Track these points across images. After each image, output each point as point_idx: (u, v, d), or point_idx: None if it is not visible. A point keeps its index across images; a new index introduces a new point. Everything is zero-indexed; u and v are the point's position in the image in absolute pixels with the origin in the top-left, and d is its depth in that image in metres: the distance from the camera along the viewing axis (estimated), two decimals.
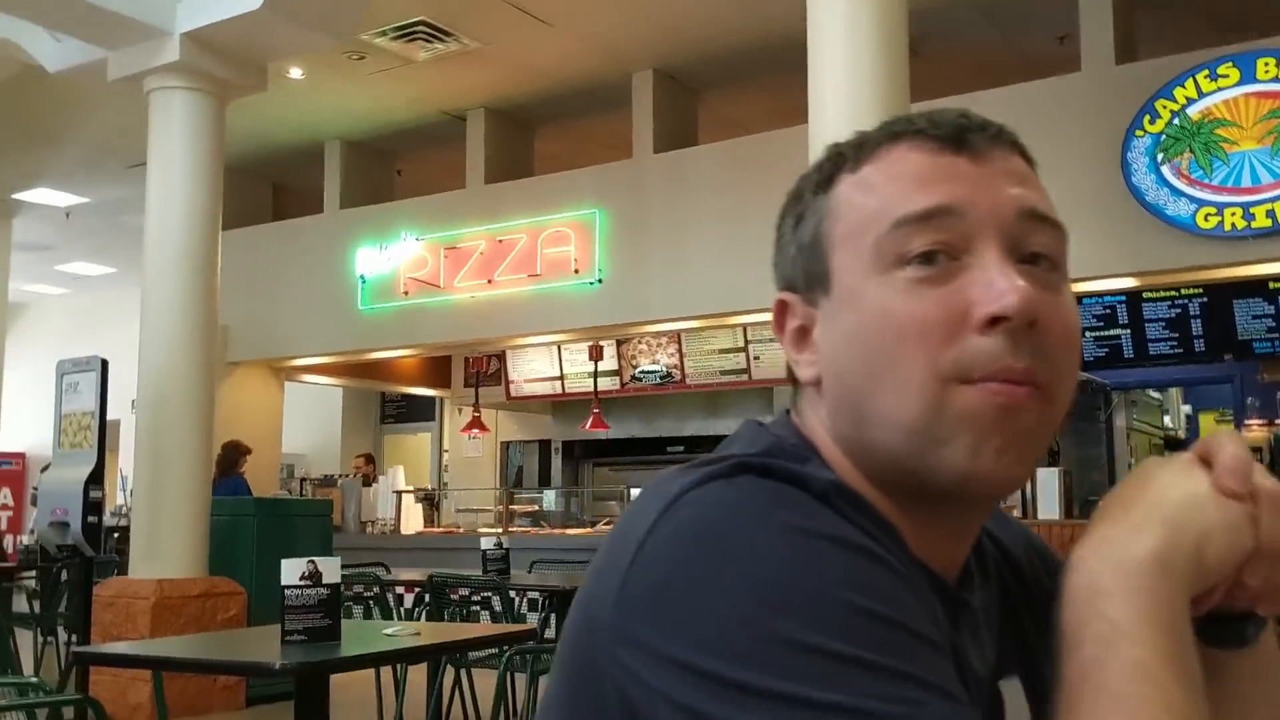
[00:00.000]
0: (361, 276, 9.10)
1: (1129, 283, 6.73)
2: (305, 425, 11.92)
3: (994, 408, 0.69)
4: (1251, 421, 8.45)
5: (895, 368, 0.71)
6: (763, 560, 0.63)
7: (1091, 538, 0.68)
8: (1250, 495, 0.69)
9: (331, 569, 2.67)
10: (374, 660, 2.80)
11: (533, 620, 5.92)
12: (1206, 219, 6.01)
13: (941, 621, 0.70)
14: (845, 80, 4.51)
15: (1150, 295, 7.58)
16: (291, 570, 2.63)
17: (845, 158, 0.77)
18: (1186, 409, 10.21)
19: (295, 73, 7.94)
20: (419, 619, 5.39)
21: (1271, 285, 7.17)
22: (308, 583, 2.62)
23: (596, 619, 0.67)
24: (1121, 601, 0.64)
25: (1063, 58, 7.10)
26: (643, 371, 10.00)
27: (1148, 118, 6.18)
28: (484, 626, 4.85)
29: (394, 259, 8.95)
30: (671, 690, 0.61)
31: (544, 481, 11.31)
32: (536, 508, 10.47)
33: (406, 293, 8.86)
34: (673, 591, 0.63)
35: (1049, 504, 6.29)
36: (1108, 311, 7.79)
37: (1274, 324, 7.33)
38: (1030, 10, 7.07)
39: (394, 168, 10.01)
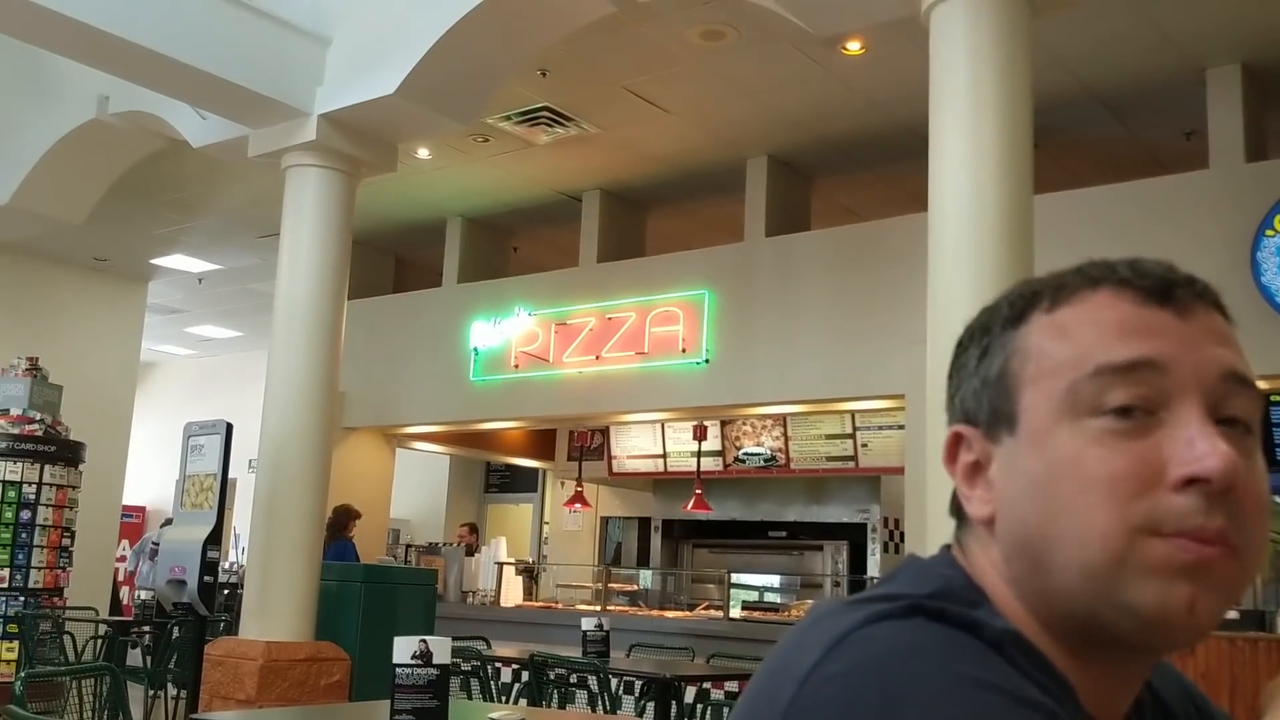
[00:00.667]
0: (475, 349, 9.30)
1: (1258, 385, 6.49)
2: (412, 491, 12.12)
3: (1182, 562, 0.68)
4: None
5: (1082, 516, 0.70)
6: (934, 711, 0.61)
7: None
8: None
9: (442, 649, 2.70)
10: None
11: (629, 704, 5.87)
12: None
13: None
14: (967, 173, 4.50)
15: (1279, 399, 7.28)
16: (403, 648, 2.67)
17: (1040, 296, 0.76)
18: None
19: (423, 153, 8.24)
20: (517, 696, 5.39)
21: None
22: (418, 662, 2.65)
23: None
24: None
25: (1189, 154, 6.97)
26: (746, 453, 9.95)
27: (1279, 217, 6.01)
28: (585, 717, 4.81)
29: (506, 333, 9.14)
30: None
31: (643, 559, 11.27)
32: (635, 586, 10.42)
33: (517, 366, 9.02)
34: None
35: None
36: None
37: None
38: (1156, 106, 6.97)
39: (510, 245, 10.26)
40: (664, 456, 10.44)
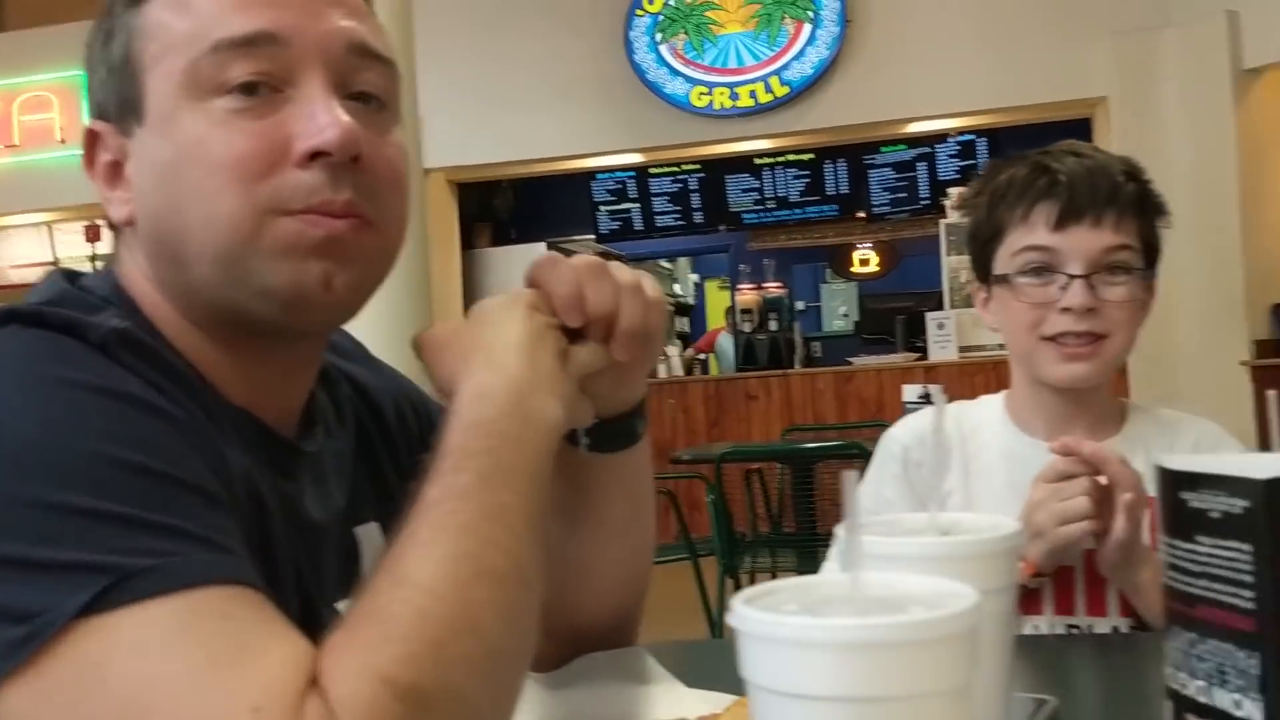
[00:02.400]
0: None
1: (636, 158, 7.13)
2: None
3: (313, 238, 0.68)
4: (743, 286, 9.39)
5: (210, 202, 0.67)
6: (12, 414, 0.57)
7: (476, 379, 0.67)
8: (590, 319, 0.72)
9: None
10: None
11: None
12: (700, 97, 6.47)
13: (238, 471, 0.67)
14: None
15: (656, 171, 8.07)
16: None
17: None
18: (694, 277, 11.14)
19: None
20: None
21: (756, 161, 7.90)
22: None
23: None
24: (514, 448, 0.65)
25: None
26: None
27: None
28: None
29: None
30: None
31: None
32: None
33: None
34: None
35: None
36: (619, 186, 8.21)
37: (759, 197, 8.09)
38: None
39: None
40: (56, 264, 9.37)
